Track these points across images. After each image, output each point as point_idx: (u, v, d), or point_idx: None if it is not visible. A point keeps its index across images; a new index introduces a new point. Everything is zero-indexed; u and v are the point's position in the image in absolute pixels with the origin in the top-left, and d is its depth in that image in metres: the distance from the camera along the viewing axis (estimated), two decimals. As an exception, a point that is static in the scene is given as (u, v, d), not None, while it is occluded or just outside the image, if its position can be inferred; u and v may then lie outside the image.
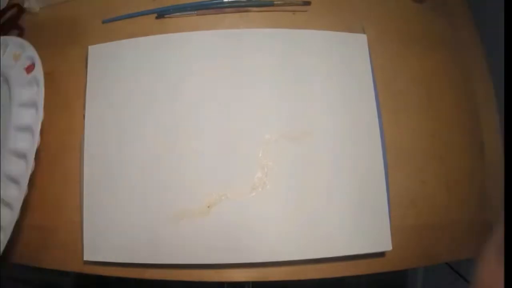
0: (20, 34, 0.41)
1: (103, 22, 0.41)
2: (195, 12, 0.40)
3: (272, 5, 0.40)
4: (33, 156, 0.31)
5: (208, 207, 0.33)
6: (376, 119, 0.35)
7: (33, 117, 0.32)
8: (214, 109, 0.35)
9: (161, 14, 0.40)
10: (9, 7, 0.41)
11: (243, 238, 0.32)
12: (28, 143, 0.32)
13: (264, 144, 0.34)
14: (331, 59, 0.37)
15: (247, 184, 0.33)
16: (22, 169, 0.31)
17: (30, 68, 0.34)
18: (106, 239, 0.32)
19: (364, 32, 0.39)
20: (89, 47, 0.38)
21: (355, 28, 0.39)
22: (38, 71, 0.33)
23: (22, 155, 0.32)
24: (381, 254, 0.34)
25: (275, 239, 0.32)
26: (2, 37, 0.36)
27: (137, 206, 0.33)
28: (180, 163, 0.34)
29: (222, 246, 0.32)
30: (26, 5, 0.42)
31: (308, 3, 0.40)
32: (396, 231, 0.32)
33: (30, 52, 0.34)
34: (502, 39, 0.29)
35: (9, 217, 0.31)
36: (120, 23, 0.41)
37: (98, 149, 0.35)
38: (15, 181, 0.31)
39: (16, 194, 0.31)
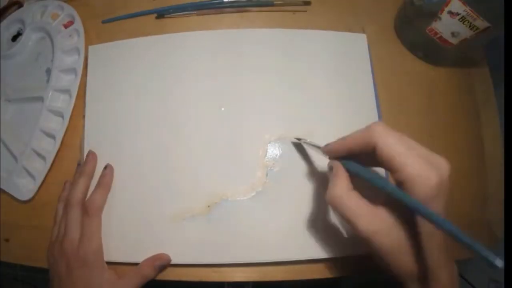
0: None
1: (103, 22, 0.41)
2: (195, 12, 0.40)
3: (272, 5, 0.40)
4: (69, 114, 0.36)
5: (208, 206, 0.33)
6: (377, 119, 0.35)
7: (75, 61, 0.38)
8: (214, 109, 0.35)
9: (161, 14, 0.40)
10: (10, 4, 0.41)
11: (243, 237, 0.32)
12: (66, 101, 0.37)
13: (264, 144, 0.34)
14: (331, 59, 0.37)
15: (247, 184, 0.33)
16: (59, 126, 0.36)
17: (69, 24, 0.40)
18: (106, 239, 0.32)
19: (364, 32, 0.39)
20: (89, 47, 0.38)
21: (355, 28, 0.39)
22: (78, 24, 0.39)
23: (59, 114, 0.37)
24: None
25: (275, 239, 0.32)
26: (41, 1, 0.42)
27: (137, 206, 0.33)
28: (180, 163, 0.34)
29: (222, 246, 0.32)
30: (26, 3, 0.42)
31: (308, 3, 0.40)
32: (396, 231, 0.32)
33: (69, 10, 0.40)
34: (502, 39, 0.30)
35: (42, 168, 0.35)
36: (120, 23, 0.41)
37: (98, 149, 0.35)
38: (51, 136, 0.36)
39: (50, 149, 0.36)
